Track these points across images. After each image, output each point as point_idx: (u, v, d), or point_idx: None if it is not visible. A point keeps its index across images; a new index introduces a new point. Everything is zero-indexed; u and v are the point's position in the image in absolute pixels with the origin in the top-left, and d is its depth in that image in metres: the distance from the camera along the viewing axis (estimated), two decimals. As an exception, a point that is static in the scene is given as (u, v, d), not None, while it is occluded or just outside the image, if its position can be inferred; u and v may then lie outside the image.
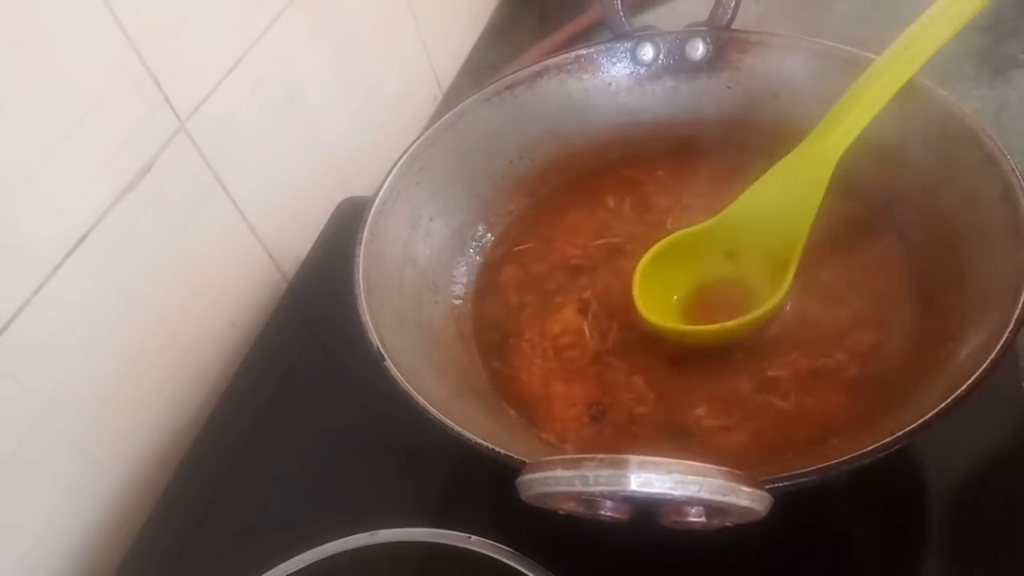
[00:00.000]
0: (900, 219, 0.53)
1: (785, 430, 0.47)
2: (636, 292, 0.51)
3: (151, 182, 0.56)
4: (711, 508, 0.33)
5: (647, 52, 0.61)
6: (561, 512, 0.35)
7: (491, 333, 0.55)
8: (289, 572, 0.46)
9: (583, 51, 0.61)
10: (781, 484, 0.37)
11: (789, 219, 0.51)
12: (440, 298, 0.56)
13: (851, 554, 0.47)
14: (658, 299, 0.52)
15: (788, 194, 0.52)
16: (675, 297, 0.53)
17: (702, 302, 0.53)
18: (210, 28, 0.60)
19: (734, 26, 0.59)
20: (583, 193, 0.61)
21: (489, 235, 0.60)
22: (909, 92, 0.50)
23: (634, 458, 0.32)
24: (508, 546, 0.44)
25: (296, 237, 0.71)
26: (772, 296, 0.49)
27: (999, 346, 0.39)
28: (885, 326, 0.50)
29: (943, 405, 0.38)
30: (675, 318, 0.52)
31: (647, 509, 0.34)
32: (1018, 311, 0.40)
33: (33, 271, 0.49)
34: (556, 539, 0.42)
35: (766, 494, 0.33)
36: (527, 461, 0.35)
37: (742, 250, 0.54)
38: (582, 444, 0.49)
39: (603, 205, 0.60)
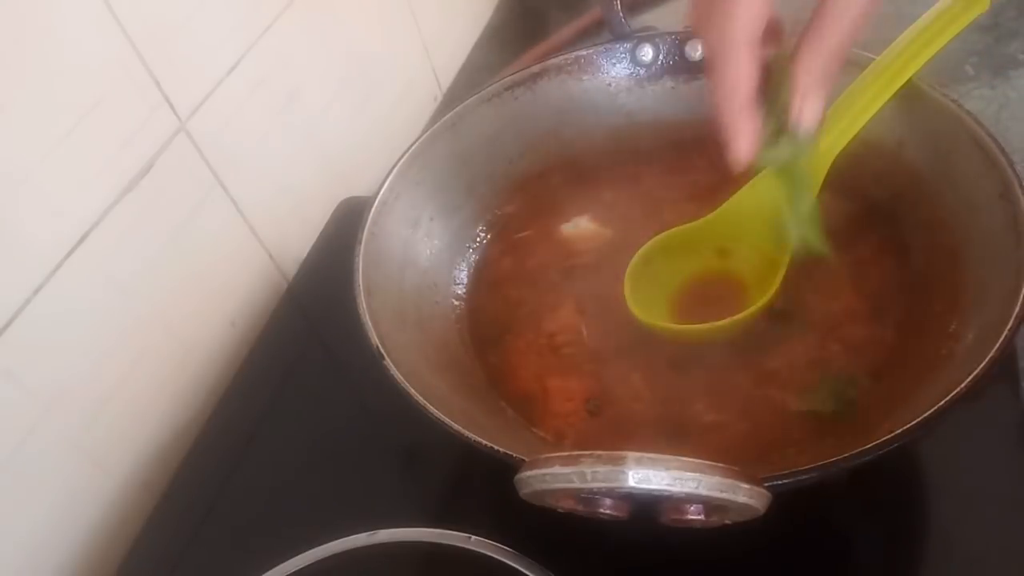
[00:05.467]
0: (899, 218, 0.53)
1: (784, 427, 0.47)
2: (627, 290, 0.51)
3: (151, 182, 0.56)
4: (710, 505, 0.33)
5: (646, 53, 0.61)
6: (560, 510, 0.35)
7: (488, 329, 0.56)
8: (289, 572, 0.46)
9: (583, 52, 0.61)
10: (780, 482, 0.36)
11: (782, 218, 0.51)
12: (440, 298, 0.57)
13: (851, 553, 0.47)
14: (651, 296, 0.52)
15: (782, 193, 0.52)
16: (667, 294, 0.53)
17: (694, 299, 0.53)
18: (210, 28, 0.60)
19: (733, 26, 0.59)
20: (582, 192, 0.61)
21: (489, 235, 0.61)
22: (909, 92, 0.50)
23: (632, 455, 0.32)
24: (508, 546, 0.44)
25: (296, 237, 0.71)
26: (763, 294, 0.50)
27: (998, 344, 0.39)
28: (883, 322, 0.50)
29: (942, 403, 0.38)
30: (667, 315, 0.52)
31: (646, 506, 0.34)
32: (1017, 309, 0.40)
33: (33, 271, 0.49)
34: (556, 539, 0.42)
35: (765, 491, 0.33)
36: (525, 459, 0.35)
37: (735, 248, 0.54)
38: (580, 441, 0.49)
39: (602, 204, 0.61)
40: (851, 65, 0.52)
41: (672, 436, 0.48)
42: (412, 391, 0.44)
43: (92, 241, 0.52)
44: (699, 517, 0.34)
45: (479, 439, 0.41)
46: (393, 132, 0.81)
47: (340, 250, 0.52)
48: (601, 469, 0.32)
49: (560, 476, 0.33)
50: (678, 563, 0.45)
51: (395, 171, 0.56)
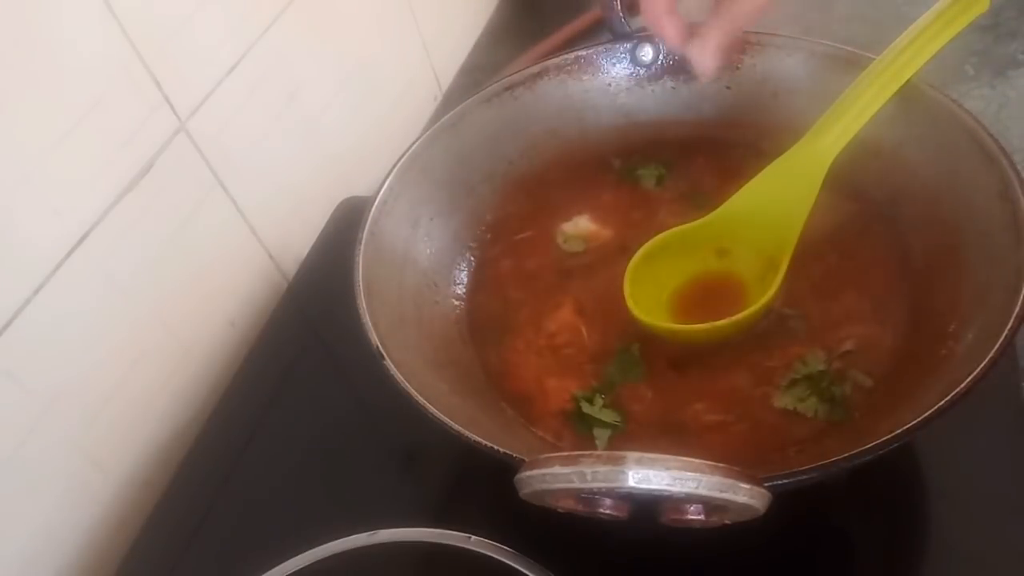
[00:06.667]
0: (899, 217, 0.53)
1: (784, 426, 0.47)
2: (627, 290, 0.51)
3: (151, 182, 0.56)
4: (710, 505, 0.33)
5: (647, 53, 0.61)
6: (560, 510, 0.35)
7: (488, 329, 0.56)
8: (289, 572, 0.46)
9: (583, 52, 0.61)
10: (780, 481, 0.36)
11: (782, 218, 0.51)
12: (440, 298, 0.57)
13: (851, 553, 0.47)
14: (650, 296, 0.52)
15: (782, 194, 0.52)
16: (667, 294, 0.53)
17: (694, 299, 0.53)
18: (210, 28, 0.60)
19: (734, 26, 0.59)
20: (582, 192, 0.61)
21: (488, 235, 0.60)
22: (909, 92, 0.50)
23: (632, 455, 0.32)
24: (508, 546, 0.44)
25: (296, 237, 0.71)
26: (763, 294, 0.50)
27: (998, 344, 0.39)
28: (883, 322, 0.50)
29: (942, 403, 0.38)
30: (667, 315, 0.52)
31: (646, 506, 0.34)
32: (1017, 309, 0.40)
33: (33, 271, 0.49)
34: (556, 539, 0.42)
35: (765, 491, 0.33)
36: (525, 459, 0.35)
37: (734, 248, 0.54)
38: (579, 441, 0.49)
39: (602, 204, 0.61)
40: (851, 65, 0.53)
41: (672, 436, 0.48)
42: (412, 391, 0.44)
43: (92, 241, 0.52)
44: (699, 517, 0.34)
45: (479, 439, 0.41)
46: (393, 132, 0.81)
47: (340, 250, 0.52)
48: (601, 469, 0.32)
49: (560, 476, 0.33)
50: (678, 563, 0.45)
51: (395, 171, 0.56)
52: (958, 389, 0.38)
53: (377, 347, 0.46)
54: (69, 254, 0.51)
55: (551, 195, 0.61)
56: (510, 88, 0.60)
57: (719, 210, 0.54)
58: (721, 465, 0.32)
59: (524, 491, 0.35)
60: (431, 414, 0.43)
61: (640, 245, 0.53)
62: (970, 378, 0.38)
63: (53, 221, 0.50)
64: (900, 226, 0.53)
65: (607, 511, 0.34)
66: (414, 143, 0.57)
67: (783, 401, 0.48)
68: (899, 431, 0.37)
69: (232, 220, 0.65)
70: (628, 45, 0.61)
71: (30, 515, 0.52)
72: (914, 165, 0.52)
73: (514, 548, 0.44)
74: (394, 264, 0.54)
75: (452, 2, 0.95)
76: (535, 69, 0.61)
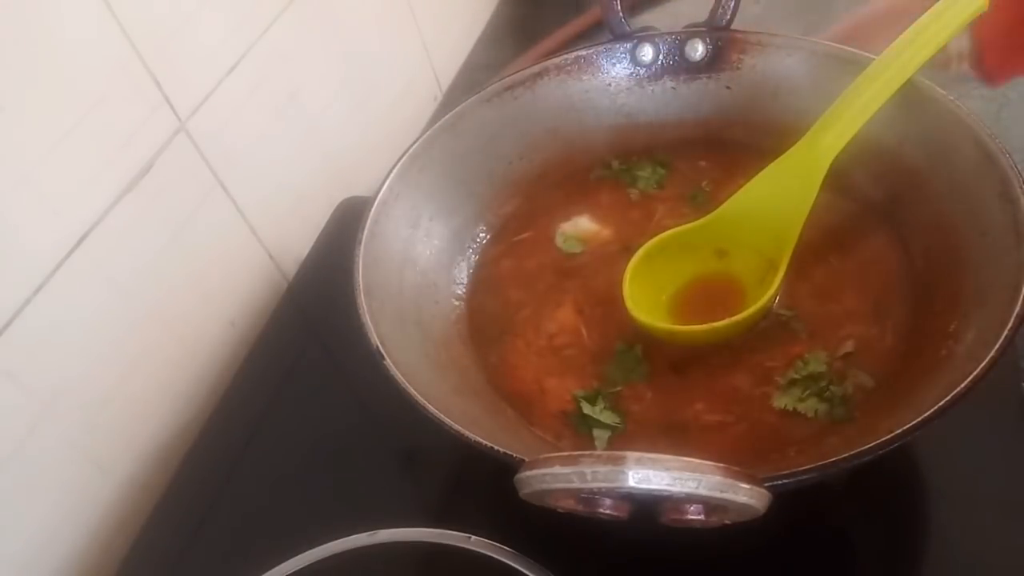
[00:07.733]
0: (899, 217, 0.53)
1: (784, 426, 0.47)
2: (626, 291, 0.51)
3: (151, 182, 0.56)
4: (710, 505, 0.33)
5: (646, 53, 0.61)
6: (560, 510, 0.35)
7: (488, 329, 0.56)
8: (289, 572, 0.46)
9: (583, 52, 0.61)
10: (780, 481, 0.36)
11: (781, 219, 0.51)
12: (440, 298, 0.56)
13: (851, 553, 0.47)
14: (650, 297, 0.52)
15: (781, 194, 0.52)
16: (666, 295, 0.53)
17: (693, 300, 0.53)
18: (210, 28, 0.60)
19: (733, 26, 0.59)
20: (582, 193, 0.61)
21: (488, 235, 0.61)
22: (909, 92, 0.50)
23: (632, 455, 0.32)
24: (508, 546, 0.44)
25: (296, 237, 0.71)
26: (763, 295, 0.50)
27: (998, 344, 0.39)
28: (883, 322, 0.50)
29: (942, 403, 0.38)
30: (666, 316, 0.52)
31: (646, 507, 0.34)
32: (1017, 309, 0.40)
33: (33, 271, 0.49)
34: (556, 539, 0.42)
35: (765, 491, 0.33)
36: (525, 459, 0.35)
37: (734, 249, 0.54)
38: (579, 441, 0.49)
39: (601, 204, 0.61)
40: (851, 65, 0.53)
41: (672, 436, 0.48)
42: (412, 391, 0.44)
43: (92, 241, 0.52)
44: (699, 517, 0.34)
45: (479, 439, 0.41)
46: (393, 132, 0.81)
47: (340, 250, 0.52)
48: (601, 469, 0.32)
49: (560, 476, 0.33)
50: (678, 563, 0.45)
51: (395, 171, 0.56)
52: (958, 389, 0.38)
53: (377, 347, 0.46)
54: (69, 254, 0.51)
55: (551, 195, 0.61)
56: (510, 88, 0.60)
57: (719, 211, 0.54)
58: (721, 465, 0.32)
59: (524, 491, 0.35)
60: (431, 414, 0.43)
61: (639, 246, 0.53)
62: (970, 378, 0.38)
63: (53, 221, 0.50)
64: (900, 226, 0.53)
65: (607, 511, 0.34)
66: (414, 143, 0.57)
67: (783, 401, 0.48)
68: (899, 431, 0.37)
69: (232, 220, 0.65)
70: (628, 45, 0.61)
71: (30, 515, 0.52)
72: (914, 165, 0.52)
73: (514, 548, 0.44)
74: (394, 264, 0.54)
75: (452, 2, 0.95)
76: (535, 69, 0.61)
